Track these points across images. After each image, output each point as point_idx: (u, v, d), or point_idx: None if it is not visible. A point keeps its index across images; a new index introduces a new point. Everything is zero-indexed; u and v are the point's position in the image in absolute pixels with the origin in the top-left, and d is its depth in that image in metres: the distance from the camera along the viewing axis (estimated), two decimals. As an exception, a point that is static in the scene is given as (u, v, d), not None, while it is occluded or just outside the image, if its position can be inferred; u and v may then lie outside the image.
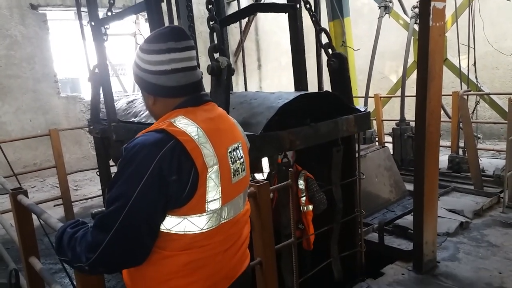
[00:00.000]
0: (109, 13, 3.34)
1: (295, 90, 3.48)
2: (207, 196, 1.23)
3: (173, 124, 1.23)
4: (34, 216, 2.00)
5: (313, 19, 3.16)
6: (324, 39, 3.15)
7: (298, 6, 3.22)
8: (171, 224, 1.22)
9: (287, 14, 3.29)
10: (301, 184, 2.85)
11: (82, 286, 1.44)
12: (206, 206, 1.24)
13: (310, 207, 2.88)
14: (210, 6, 2.41)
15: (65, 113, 7.85)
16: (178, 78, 1.29)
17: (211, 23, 2.36)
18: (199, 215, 1.23)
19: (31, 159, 7.43)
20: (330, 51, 3.06)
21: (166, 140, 1.19)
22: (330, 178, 3.00)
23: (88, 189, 6.71)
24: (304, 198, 2.85)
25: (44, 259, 3.92)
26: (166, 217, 1.22)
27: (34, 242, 2.20)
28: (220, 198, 1.27)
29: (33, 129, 7.39)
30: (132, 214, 1.14)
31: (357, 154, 3.16)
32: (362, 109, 2.97)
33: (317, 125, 2.62)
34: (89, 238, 1.18)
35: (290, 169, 2.56)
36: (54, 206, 4.99)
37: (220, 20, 3.51)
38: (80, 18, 3.55)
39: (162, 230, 1.23)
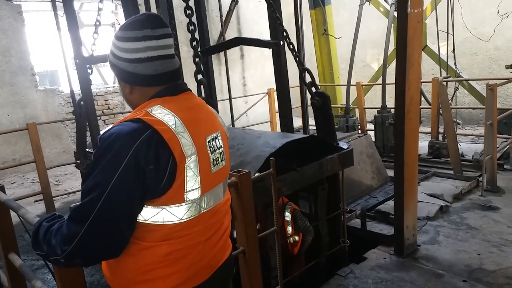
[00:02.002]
0: (94, 47, 3.41)
1: (281, 125, 3.57)
2: (186, 186, 1.22)
3: (149, 114, 1.21)
4: (14, 213, 1.97)
5: (297, 59, 3.23)
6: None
7: (282, 43, 3.26)
8: (150, 214, 1.21)
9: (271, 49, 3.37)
10: (288, 216, 2.87)
11: (61, 281, 1.42)
12: (185, 196, 1.23)
13: (297, 238, 2.90)
14: (197, 60, 2.43)
15: (44, 106, 7.67)
16: (155, 66, 1.27)
17: (198, 76, 2.38)
18: (178, 205, 1.22)
19: (10, 154, 7.26)
20: (313, 89, 3.12)
21: (143, 129, 1.17)
22: (317, 213, 3.07)
23: (70, 183, 6.61)
24: (290, 229, 2.86)
25: (25, 255, 3.87)
26: (144, 208, 1.21)
27: (13, 238, 2.17)
28: (200, 188, 1.26)
29: (11, 124, 7.20)
30: (108, 205, 1.12)
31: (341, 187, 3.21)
32: (345, 146, 3.04)
33: (303, 169, 2.69)
34: (64, 230, 1.16)
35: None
36: (35, 201, 4.90)
37: (204, 50, 3.54)
38: (55, 8, 3.45)
39: (140, 221, 1.22)
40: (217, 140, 1.37)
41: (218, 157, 1.35)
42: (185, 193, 1.23)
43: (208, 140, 1.32)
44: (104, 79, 10.80)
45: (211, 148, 1.33)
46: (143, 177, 1.15)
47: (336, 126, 6.60)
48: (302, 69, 3.20)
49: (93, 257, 1.21)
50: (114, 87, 8.59)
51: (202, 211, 1.30)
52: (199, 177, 1.25)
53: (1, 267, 2.48)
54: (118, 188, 1.13)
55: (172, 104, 1.27)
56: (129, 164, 1.13)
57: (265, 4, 3.34)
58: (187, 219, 1.25)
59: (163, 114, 1.22)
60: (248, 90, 9.98)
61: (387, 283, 2.89)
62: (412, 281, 2.88)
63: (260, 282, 2.12)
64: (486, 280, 2.83)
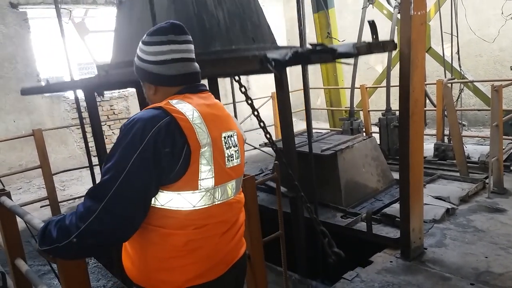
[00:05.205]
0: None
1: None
2: (200, 174, 1.28)
3: (170, 103, 1.30)
4: (20, 219, 1.98)
5: (315, 223, 3.28)
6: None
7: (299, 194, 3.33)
8: (165, 199, 1.28)
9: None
10: None
11: (67, 285, 1.43)
12: (199, 183, 1.29)
13: None
14: None
15: (50, 112, 7.74)
16: (177, 67, 1.38)
17: None
18: (192, 192, 1.28)
19: (16, 160, 7.32)
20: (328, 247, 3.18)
21: (162, 115, 1.25)
22: None
23: (75, 188, 6.64)
24: None
25: (32, 261, 3.88)
26: (160, 192, 1.27)
27: (20, 244, 2.18)
28: (213, 178, 1.32)
29: (17, 130, 7.27)
30: (126, 183, 1.19)
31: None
32: None
33: None
34: (80, 209, 1.22)
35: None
36: (41, 207, 4.93)
37: None
38: (59, 16, 3.48)
39: (156, 206, 1.28)
40: (232, 138, 1.43)
41: (233, 154, 1.41)
42: (199, 181, 1.29)
43: (223, 136, 1.38)
44: (109, 85, 10.85)
45: (227, 144, 1.39)
46: (159, 159, 1.21)
47: (340, 129, 6.65)
48: (320, 231, 3.25)
49: (105, 238, 1.23)
50: (119, 92, 8.64)
51: (216, 202, 1.35)
52: (213, 167, 1.31)
53: (7, 273, 2.50)
54: (136, 167, 1.19)
55: (192, 100, 1.36)
56: (148, 145, 1.20)
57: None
58: (201, 207, 1.31)
59: (182, 106, 1.30)
60: (252, 94, 9.95)
61: (394, 287, 2.87)
62: (419, 285, 2.86)
63: (265, 286, 2.12)
64: (493, 283, 2.80)
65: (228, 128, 1.42)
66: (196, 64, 1.45)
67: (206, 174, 1.29)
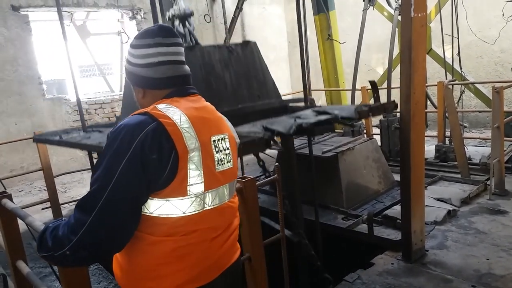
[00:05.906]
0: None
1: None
2: (188, 180, 1.25)
3: (157, 108, 1.28)
4: (21, 221, 1.98)
5: (320, 270, 3.30)
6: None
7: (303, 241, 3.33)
8: (154, 207, 1.25)
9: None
10: None
11: (68, 284, 1.43)
12: (188, 189, 1.26)
13: None
14: None
15: (51, 115, 7.74)
16: (165, 70, 1.35)
17: None
18: (181, 198, 1.26)
19: (18, 162, 7.33)
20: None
21: (149, 121, 1.23)
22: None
23: (77, 191, 6.65)
24: None
25: (33, 263, 3.89)
26: (149, 200, 1.24)
27: (21, 246, 2.18)
28: (203, 183, 1.29)
29: (19, 132, 7.27)
30: (115, 192, 1.16)
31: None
32: None
33: None
34: (71, 220, 1.19)
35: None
36: (43, 209, 4.93)
37: None
38: (61, 18, 3.49)
39: (146, 214, 1.25)
40: (223, 142, 1.39)
41: (223, 158, 1.37)
42: (188, 187, 1.26)
43: (213, 139, 1.35)
44: (111, 87, 10.87)
45: (217, 148, 1.35)
46: (146, 166, 1.19)
47: (341, 131, 6.64)
48: (325, 278, 3.25)
49: (99, 249, 1.21)
50: (120, 94, 8.65)
51: (207, 208, 1.32)
52: (202, 172, 1.28)
53: (9, 275, 2.50)
54: (125, 176, 1.17)
55: (180, 104, 1.33)
56: (135, 152, 1.18)
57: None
58: (191, 214, 1.28)
59: (170, 110, 1.28)
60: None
61: (395, 289, 2.87)
62: (420, 287, 2.86)
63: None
64: (495, 285, 2.80)
65: (219, 131, 1.39)
66: (186, 67, 1.42)
67: (195, 179, 1.26)
